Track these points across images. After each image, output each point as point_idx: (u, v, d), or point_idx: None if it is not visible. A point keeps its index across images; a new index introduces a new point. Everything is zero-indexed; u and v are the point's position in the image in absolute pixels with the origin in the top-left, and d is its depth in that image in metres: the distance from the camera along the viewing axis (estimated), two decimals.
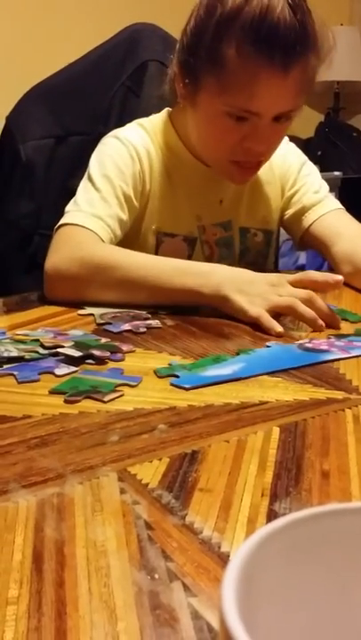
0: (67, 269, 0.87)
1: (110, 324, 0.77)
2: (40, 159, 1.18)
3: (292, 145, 1.14)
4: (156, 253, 1.04)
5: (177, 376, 0.61)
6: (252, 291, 0.82)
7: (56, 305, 0.87)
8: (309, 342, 0.72)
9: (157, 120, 1.06)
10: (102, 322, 0.78)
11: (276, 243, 1.19)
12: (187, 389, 0.58)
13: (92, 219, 0.92)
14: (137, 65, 1.20)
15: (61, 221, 0.93)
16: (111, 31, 1.29)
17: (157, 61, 1.19)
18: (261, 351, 0.70)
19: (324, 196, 1.12)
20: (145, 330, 0.75)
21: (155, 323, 0.78)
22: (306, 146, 2.87)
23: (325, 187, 1.14)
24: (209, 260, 1.09)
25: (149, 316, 0.81)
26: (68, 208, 0.95)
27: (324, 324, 0.77)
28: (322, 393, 0.57)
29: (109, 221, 0.93)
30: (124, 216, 0.96)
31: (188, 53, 0.91)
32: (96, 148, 1.02)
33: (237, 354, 0.68)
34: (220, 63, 0.87)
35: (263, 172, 1.08)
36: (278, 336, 0.75)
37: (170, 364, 0.65)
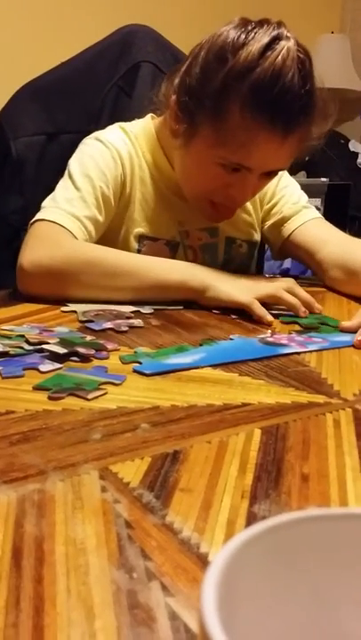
0: (48, 265, 0.86)
1: (92, 321, 0.77)
2: (31, 156, 1.18)
3: None
4: None
5: (140, 363, 0.64)
6: (237, 283, 0.84)
7: (35, 302, 0.87)
8: (271, 336, 0.76)
9: (140, 126, 1.06)
10: (85, 319, 0.78)
11: (258, 253, 1.20)
12: (147, 375, 0.61)
13: (69, 218, 0.91)
14: (130, 66, 1.20)
15: (37, 216, 0.92)
16: (105, 31, 1.29)
17: (150, 63, 1.20)
18: (223, 343, 0.73)
19: (302, 207, 1.12)
20: (127, 329, 0.75)
21: (137, 322, 0.78)
22: None
23: (304, 197, 1.15)
24: None
25: (132, 315, 0.82)
26: (45, 204, 0.94)
27: (307, 312, 0.81)
28: (304, 397, 0.58)
29: (86, 222, 0.93)
30: (101, 218, 0.96)
31: (190, 96, 0.90)
32: (77, 149, 1.01)
33: (201, 345, 0.71)
34: (222, 117, 0.87)
35: None
36: (268, 325, 0.79)
37: (135, 352, 0.68)
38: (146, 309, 0.84)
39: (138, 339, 0.73)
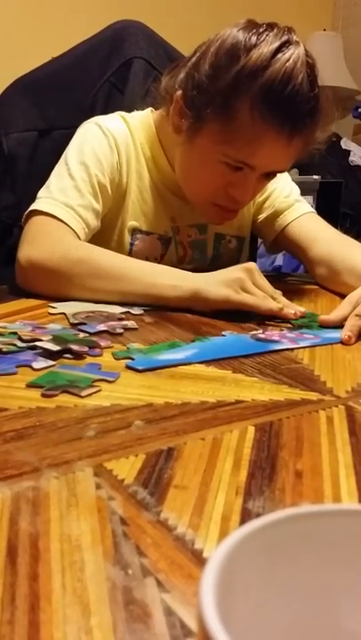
0: (43, 264, 0.86)
1: (85, 324, 0.76)
2: (22, 152, 1.18)
3: None
4: (131, 250, 1.04)
5: (132, 359, 0.64)
6: (228, 276, 0.83)
7: (32, 297, 0.87)
8: (262, 333, 0.76)
9: (139, 119, 1.06)
10: (76, 322, 0.77)
11: (247, 247, 1.20)
12: (140, 371, 0.61)
13: (64, 209, 0.91)
14: (122, 62, 1.20)
15: (33, 207, 0.92)
16: (97, 26, 1.28)
17: (142, 59, 1.20)
18: (216, 339, 0.73)
19: (295, 200, 1.13)
20: (122, 331, 0.75)
21: (130, 324, 0.77)
22: None
23: (296, 190, 1.15)
24: (181, 260, 1.10)
25: (123, 316, 0.81)
26: (40, 194, 0.94)
27: (297, 314, 0.81)
28: (297, 394, 0.58)
29: (81, 212, 0.92)
30: (98, 206, 0.95)
31: (198, 91, 0.90)
32: (76, 133, 1.01)
33: (193, 341, 0.71)
34: (231, 115, 0.87)
35: None
36: (278, 313, 0.79)
37: (127, 348, 0.68)
38: (136, 310, 0.84)
39: (131, 336, 0.73)
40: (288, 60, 0.84)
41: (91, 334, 0.72)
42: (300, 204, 1.13)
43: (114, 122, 1.02)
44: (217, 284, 0.83)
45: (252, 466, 0.44)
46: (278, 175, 1.15)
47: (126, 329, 0.76)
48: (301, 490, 0.41)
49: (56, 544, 0.35)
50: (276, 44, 0.85)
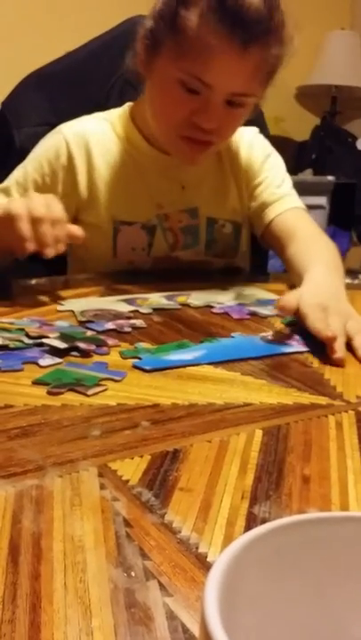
0: None
1: (93, 322, 0.76)
2: (34, 146, 1.18)
3: (261, 137, 1.14)
4: (115, 243, 1.04)
5: (140, 358, 0.64)
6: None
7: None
8: (272, 335, 0.75)
9: (117, 112, 1.08)
10: (84, 319, 0.77)
11: (247, 236, 1.17)
12: (147, 371, 0.61)
13: None
14: None
15: None
16: (112, 22, 1.28)
17: None
18: (225, 340, 0.73)
19: (285, 193, 1.10)
20: (130, 330, 0.74)
21: (139, 322, 0.77)
22: (300, 148, 2.87)
23: (288, 182, 1.12)
24: (173, 247, 1.09)
25: (131, 315, 0.81)
26: None
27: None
28: (306, 398, 0.57)
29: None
30: None
31: (154, 19, 0.91)
32: None
33: (202, 342, 0.71)
34: (181, 28, 0.87)
35: (229, 161, 1.08)
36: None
37: (135, 347, 0.67)
38: (144, 309, 0.83)
39: (139, 335, 0.73)
40: None
41: (98, 332, 0.72)
42: (288, 197, 1.09)
43: (82, 123, 1.05)
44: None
45: (258, 470, 0.43)
46: (274, 161, 1.11)
47: (134, 328, 0.75)
48: (308, 495, 0.41)
49: (59, 544, 0.34)
50: None
